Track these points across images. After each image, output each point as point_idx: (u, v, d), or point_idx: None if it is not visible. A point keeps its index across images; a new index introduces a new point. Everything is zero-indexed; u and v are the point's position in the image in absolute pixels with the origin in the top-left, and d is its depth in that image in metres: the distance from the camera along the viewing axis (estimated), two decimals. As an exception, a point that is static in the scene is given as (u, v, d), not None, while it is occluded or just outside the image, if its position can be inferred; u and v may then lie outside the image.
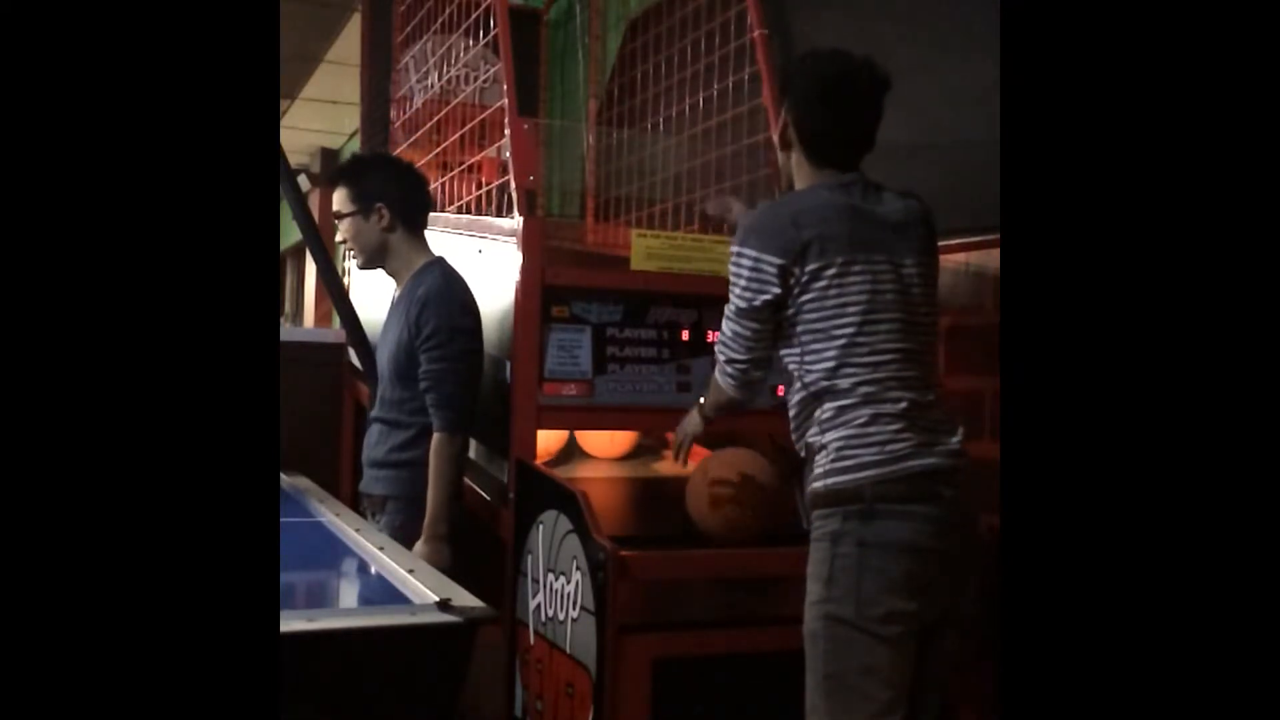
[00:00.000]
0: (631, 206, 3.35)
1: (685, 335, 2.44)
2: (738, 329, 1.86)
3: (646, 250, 2.42)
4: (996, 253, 2.23)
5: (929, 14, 2.66)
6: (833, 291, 1.78)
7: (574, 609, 2.05)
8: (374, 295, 3.01)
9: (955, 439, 1.81)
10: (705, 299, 2.43)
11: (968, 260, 2.38)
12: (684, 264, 2.43)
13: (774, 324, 1.84)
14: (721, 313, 1.90)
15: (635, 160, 3.39)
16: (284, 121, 8.61)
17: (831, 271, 1.78)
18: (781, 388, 2.41)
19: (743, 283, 1.83)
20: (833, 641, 1.74)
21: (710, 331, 2.44)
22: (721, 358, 1.92)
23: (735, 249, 1.85)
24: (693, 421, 2.14)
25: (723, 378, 1.93)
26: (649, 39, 3.38)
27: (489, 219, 2.74)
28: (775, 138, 1.95)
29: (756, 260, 1.81)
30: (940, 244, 1.96)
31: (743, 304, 1.84)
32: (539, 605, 2.19)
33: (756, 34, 2.79)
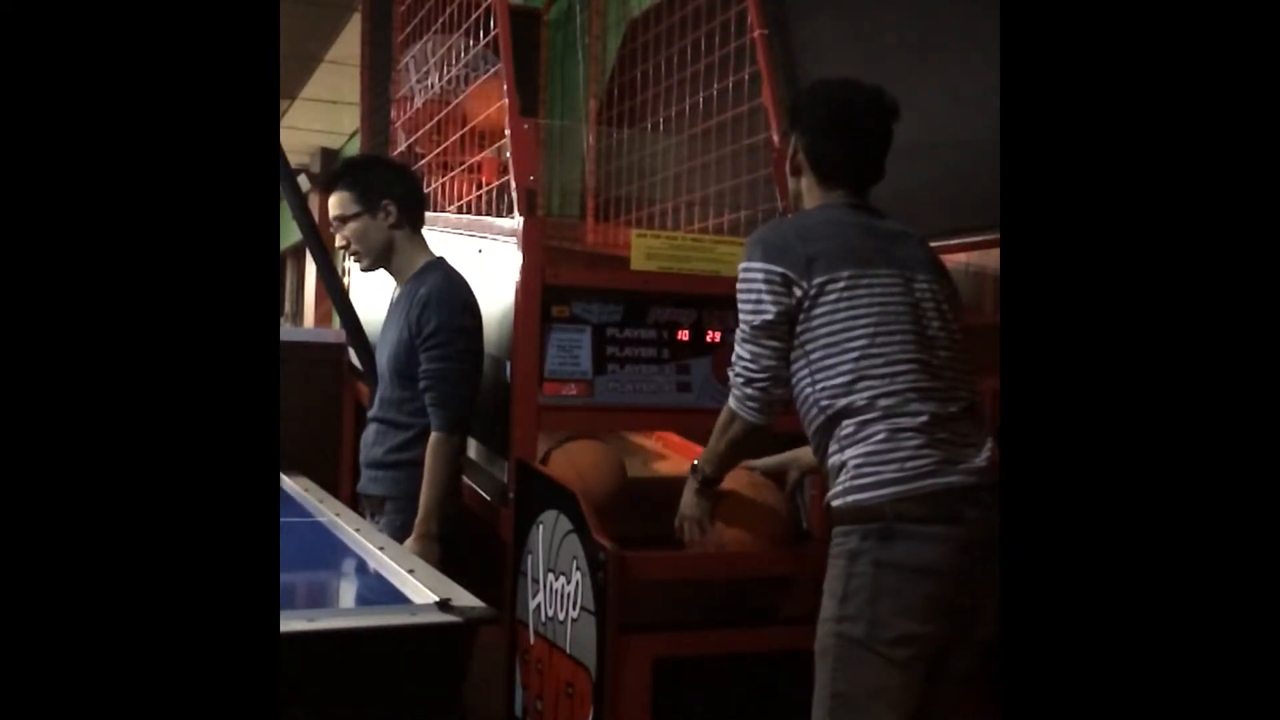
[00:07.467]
0: (631, 206, 3.35)
1: (685, 335, 2.44)
2: (755, 349, 1.80)
3: (646, 250, 2.42)
4: (996, 253, 2.23)
5: (929, 14, 2.66)
6: (843, 304, 1.76)
7: (574, 609, 2.05)
8: (374, 295, 3.01)
9: (982, 456, 1.74)
10: (705, 299, 2.43)
11: (968, 260, 2.38)
12: (684, 264, 2.43)
13: (788, 340, 1.79)
14: (721, 312, 1.88)
15: (635, 160, 3.39)
16: (284, 121, 8.61)
17: (840, 285, 1.76)
18: None
19: (755, 296, 1.79)
20: (843, 661, 1.70)
21: (710, 331, 2.44)
22: (740, 380, 1.83)
23: (744, 265, 1.81)
24: (689, 504, 2.06)
25: (743, 406, 1.84)
26: (649, 39, 3.38)
27: (489, 219, 2.74)
28: (786, 164, 1.95)
29: (766, 272, 1.78)
30: (940, 244, 1.95)
31: (757, 319, 1.79)
32: (539, 605, 2.19)
33: (756, 34, 2.79)
